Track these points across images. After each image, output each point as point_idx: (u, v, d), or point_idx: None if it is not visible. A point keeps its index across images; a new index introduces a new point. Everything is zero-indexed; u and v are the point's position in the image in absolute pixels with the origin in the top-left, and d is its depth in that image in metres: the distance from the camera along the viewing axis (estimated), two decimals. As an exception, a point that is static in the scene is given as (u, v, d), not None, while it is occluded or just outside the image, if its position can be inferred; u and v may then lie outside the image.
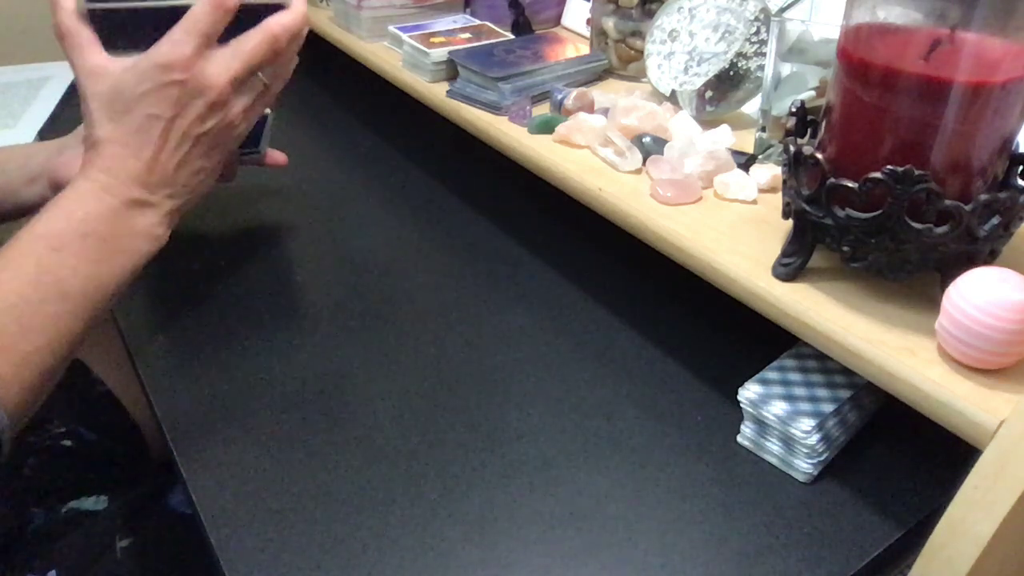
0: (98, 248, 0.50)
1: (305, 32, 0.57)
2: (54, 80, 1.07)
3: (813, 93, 0.60)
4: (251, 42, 0.53)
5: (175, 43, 0.51)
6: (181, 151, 0.53)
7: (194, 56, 0.51)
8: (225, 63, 0.52)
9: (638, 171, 0.63)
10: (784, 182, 0.50)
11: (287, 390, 0.60)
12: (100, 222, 0.50)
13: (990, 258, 0.46)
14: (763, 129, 0.63)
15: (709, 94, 0.68)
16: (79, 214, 0.50)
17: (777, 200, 0.53)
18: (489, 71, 0.74)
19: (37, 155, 0.67)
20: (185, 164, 0.53)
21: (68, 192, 0.51)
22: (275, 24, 0.53)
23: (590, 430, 0.56)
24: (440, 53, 0.80)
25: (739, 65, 0.67)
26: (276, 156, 0.75)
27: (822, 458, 0.52)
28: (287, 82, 0.58)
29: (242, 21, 0.52)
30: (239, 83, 0.53)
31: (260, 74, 0.55)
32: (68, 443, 0.70)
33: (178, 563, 0.66)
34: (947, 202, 0.42)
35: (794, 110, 0.50)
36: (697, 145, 0.62)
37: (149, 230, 0.53)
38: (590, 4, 0.83)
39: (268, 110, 0.67)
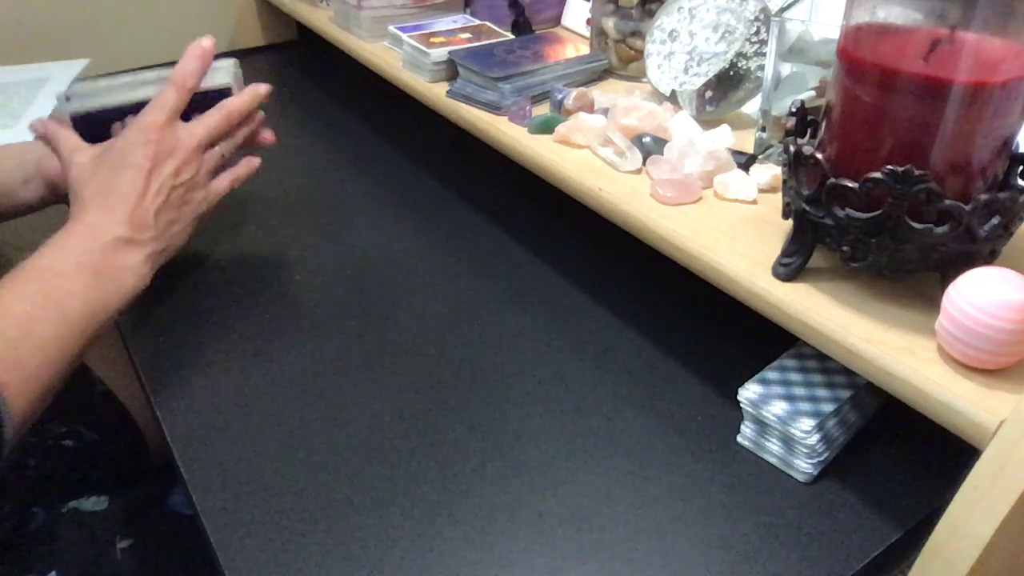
0: (92, 278, 0.55)
1: (254, 112, 0.67)
2: (54, 80, 1.06)
3: (813, 93, 0.60)
4: (211, 116, 0.63)
5: (149, 114, 0.61)
6: (159, 199, 0.60)
7: (165, 124, 0.61)
8: (191, 129, 0.62)
9: (638, 171, 0.63)
10: (784, 182, 0.50)
11: (287, 390, 0.60)
12: (93, 255, 0.56)
13: (990, 258, 0.46)
14: (763, 129, 0.63)
15: (709, 94, 0.68)
16: (75, 248, 0.56)
17: (777, 200, 0.53)
18: (489, 71, 0.74)
19: (30, 155, 0.69)
20: (163, 212, 0.61)
21: (63, 232, 0.57)
22: (228, 103, 0.65)
23: (590, 430, 0.56)
24: (440, 53, 0.80)
25: (739, 65, 0.67)
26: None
27: (822, 458, 0.52)
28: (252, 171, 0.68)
29: (198, 105, 0.63)
30: (203, 147, 0.63)
31: (219, 147, 0.64)
32: (68, 443, 0.70)
33: (178, 563, 0.67)
34: (947, 202, 0.42)
35: (794, 110, 0.50)
36: (697, 145, 0.62)
37: (135, 267, 0.59)
38: (590, 4, 0.83)
39: (229, 70, 0.70)
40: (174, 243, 0.62)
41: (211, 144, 0.64)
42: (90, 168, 0.60)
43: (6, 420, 0.47)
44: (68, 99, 0.66)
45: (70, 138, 0.62)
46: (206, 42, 0.64)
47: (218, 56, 0.66)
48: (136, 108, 0.62)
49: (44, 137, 0.64)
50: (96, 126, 0.65)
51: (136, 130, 0.60)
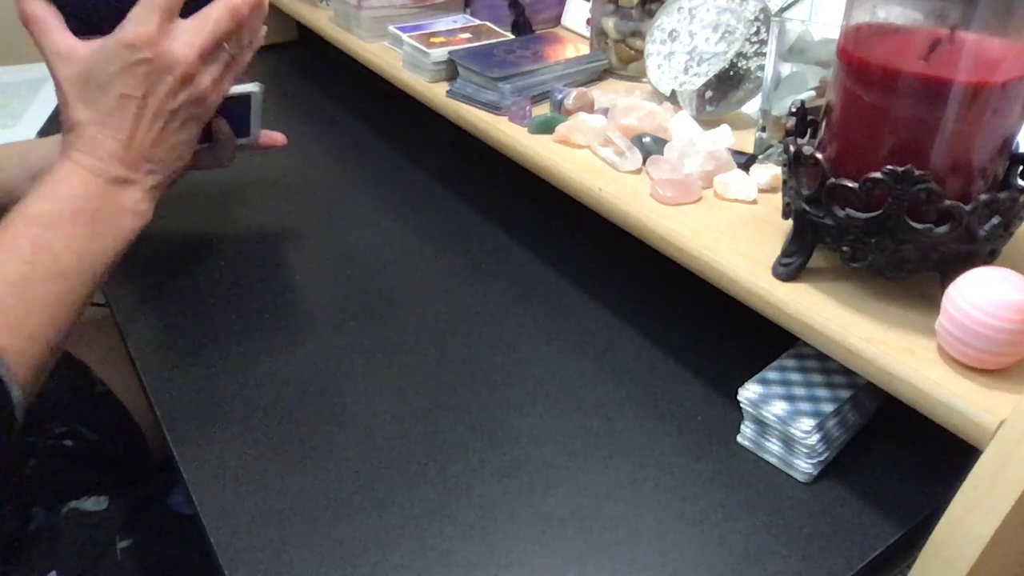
0: (88, 226, 0.52)
1: (266, 3, 0.58)
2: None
3: (813, 93, 0.60)
4: (214, 13, 0.54)
5: (138, 22, 0.52)
6: (156, 127, 0.54)
7: (158, 33, 0.52)
8: (190, 37, 0.53)
9: (638, 171, 0.63)
10: (784, 182, 0.50)
11: (287, 390, 0.60)
12: (87, 201, 0.52)
13: (990, 258, 0.46)
14: (763, 129, 0.63)
15: (709, 94, 0.68)
16: (66, 195, 0.51)
17: (777, 200, 0.53)
18: (489, 71, 0.74)
19: (36, 151, 0.68)
20: (162, 140, 0.55)
21: (53, 174, 0.52)
22: None
23: (590, 430, 0.56)
24: (440, 53, 0.80)
25: (739, 65, 0.67)
26: (274, 137, 0.72)
27: (822, 458, 0.52)
28: (255, 52, 0.59)
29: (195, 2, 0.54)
30: (206, 55, 0.54)
31: (226, 45, 0.56)
32: (68, 443, 0.70)
33: (178, 563, 0.67)
34: (947, 202, 0.42)
35: (794, 110, 0.50)
36: (697, 145, 0.62)
37: (134, 206, 0.54)
38: (590, 4, 0.83)
39: (254, 88, 0.67)
40: (176, 167, 0.57)
41: (215, 47, 0.55)
42: (79, 84, 0.52)
43: (9, 382, 0.46)
44: None
45: (53, 32, 0.53)
46: None
47: None
48: None
49: (29, 22, 0.53)
50: (85, 10, 0.55)
51: (124, 46, 0.51)
